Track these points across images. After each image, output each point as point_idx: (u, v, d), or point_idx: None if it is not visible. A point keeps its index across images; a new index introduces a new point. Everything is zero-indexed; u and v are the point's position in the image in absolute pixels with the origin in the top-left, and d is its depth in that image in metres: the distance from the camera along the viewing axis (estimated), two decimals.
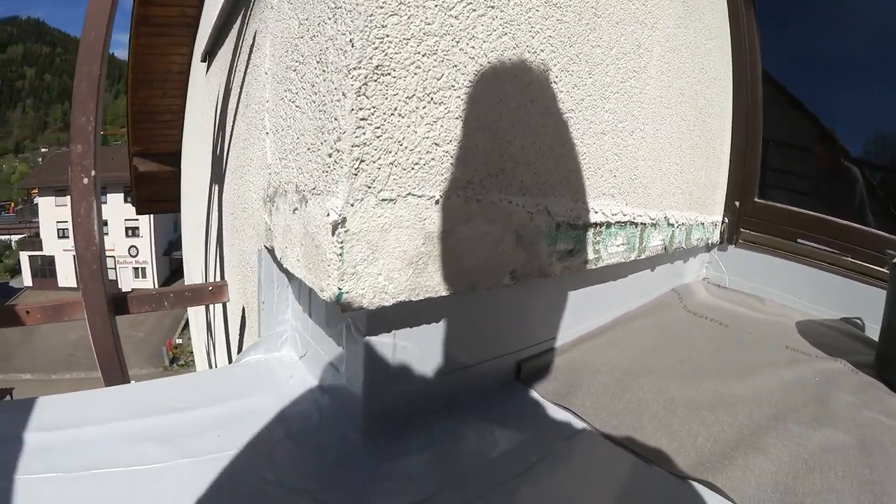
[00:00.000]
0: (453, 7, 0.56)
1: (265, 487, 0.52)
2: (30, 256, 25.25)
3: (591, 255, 0.86)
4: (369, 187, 0.51)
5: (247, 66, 1.17)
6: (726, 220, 1.63)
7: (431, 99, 0.55)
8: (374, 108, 0.51)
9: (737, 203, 1.63)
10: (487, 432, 0.68)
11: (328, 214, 0.51)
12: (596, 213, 0.86)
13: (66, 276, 22.19)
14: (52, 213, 22.71)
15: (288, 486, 0.53)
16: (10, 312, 1.19)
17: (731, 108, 1.58)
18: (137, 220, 21.52)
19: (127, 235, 22.80)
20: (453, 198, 0.59)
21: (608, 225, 0.89)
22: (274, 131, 0.76)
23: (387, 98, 0.52)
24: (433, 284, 0.58)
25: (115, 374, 1.26)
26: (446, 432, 0.67)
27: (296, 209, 0.63)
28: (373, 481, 0.56)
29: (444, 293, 0.60)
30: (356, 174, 0.51)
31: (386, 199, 0.53)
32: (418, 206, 0.55)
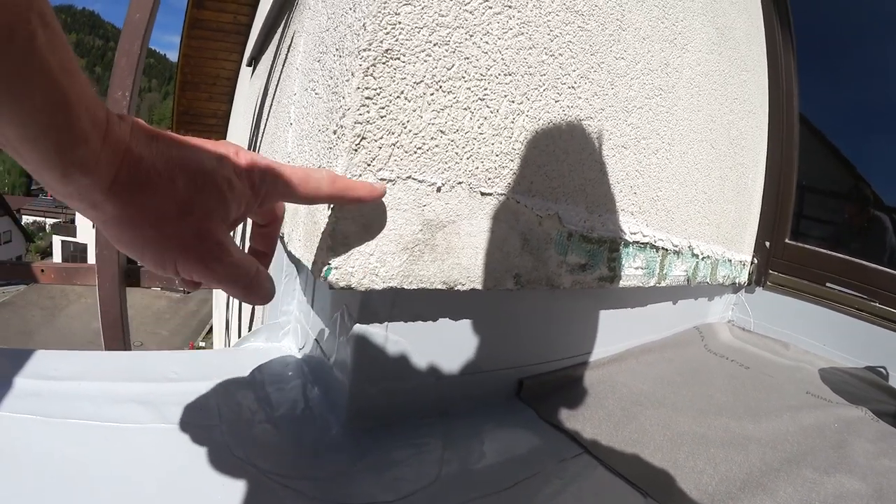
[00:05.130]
0: (469, 2, 0.56)
1: (235, 463, 0.51)
2: (62, 241, 25.90)
3: (605, 273, 0.83)
4: (368, 164, 0.51)
5: (283, 66, 1.20)
6: (755, 261, 1.57)
7: (440, 87, 0.55)
8: (380, 88, 0.50)
9: (767, 243, 1.57)
10: (476, 444, 0.65)
11: None
12: (613, 228, 0.83)
13: None
14: None
15: (258, 466, 0.51)
16: (26, 268, 1.24)
17: (766, 144, 1.53)
18: None
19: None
20: (457, 188, 0.57)
21: (626, 244, 0.86)
22: (297, 121, 0.77)
23: (394, 81, 0.51)
24: (428, 275, 0.57)
25: (118, 342, 1.27)
26: (432, 437, 0.65)
27: None
28: (345, 476, 0.54)
29: (440, 286, 0.58)
30: (356, 150, 0.50)
31: (384, 179, 0.52)
32: (418, 191, 0.54)
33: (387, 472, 0.56)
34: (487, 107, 0.59)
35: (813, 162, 1.61)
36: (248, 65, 2.28)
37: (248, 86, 2.31)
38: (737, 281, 1.48)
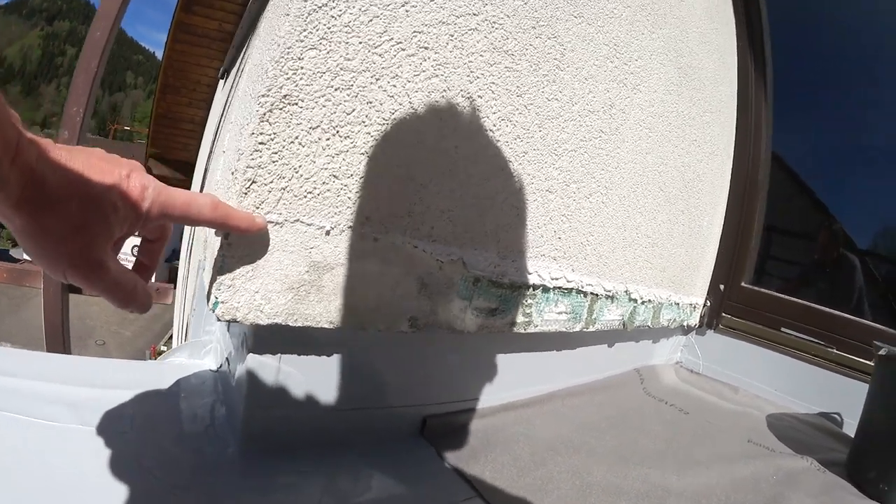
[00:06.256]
0: (379, 45, 0.57)
1: (136, 470, 0.54)
2: None
3: (519, 318, 0.83)
4: (257, 207, 0.52)
5: (234, 89, 1.21)
6: (708, 304, 1.58)
7: (337, 132, 0.56)
8: (274, 133, 0.52)
9: (721, 286, 1.58)
10: (364, 479, 0.65)
11: None
12: (530, 273, 0.83)
13: None
14: None
15: (156, 475, 0.54)
16: None
17: (729, 186, 1.55)
18: None
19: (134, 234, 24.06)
20: (347, 232, 0.58)
21: (545, 289, 0.87)
22: (227, 150, 0.78)
23: (289, 126, 0.52)
24: (314, 314, 0.57)
25: (57, 347, 1.29)
26: (323, 467, 0.65)
27: None
28: (231, 494, 0.56)
29: (327, 325, 0.59)
30: (246, 193, 0.51)
31: (272, 222, 0.53)
32: (306, 233, 0.55)
33: (270, 495, 0.58)
34: (387, 154, 0.61)
35: (781, 203, 1.63)
36: (221, 77, 2.29)
37: (220, 98, 2.33)
38: (686, 323, 1.48)
